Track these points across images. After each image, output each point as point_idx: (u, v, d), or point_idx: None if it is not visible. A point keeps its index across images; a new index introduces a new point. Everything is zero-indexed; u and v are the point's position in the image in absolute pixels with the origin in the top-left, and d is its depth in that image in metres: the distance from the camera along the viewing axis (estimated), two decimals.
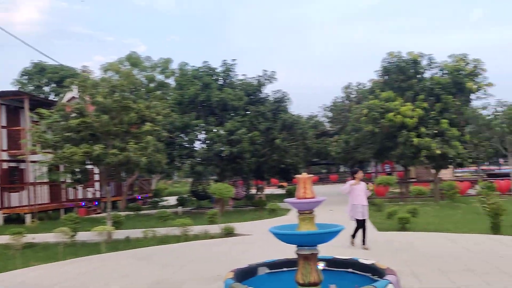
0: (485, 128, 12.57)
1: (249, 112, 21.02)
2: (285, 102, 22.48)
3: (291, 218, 17.46)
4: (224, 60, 21.99)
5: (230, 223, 15.18)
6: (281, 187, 33.42)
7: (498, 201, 11.58)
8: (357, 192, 10.07)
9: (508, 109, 11.91)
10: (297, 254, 6.83)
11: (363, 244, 10.01)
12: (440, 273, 7.34)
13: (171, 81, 28.15)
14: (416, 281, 6.92)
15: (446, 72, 21.51)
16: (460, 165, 23.39)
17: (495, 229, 11.34)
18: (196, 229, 14.02)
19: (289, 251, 9.90)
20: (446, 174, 34.15)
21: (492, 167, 56.75)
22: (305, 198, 6.85)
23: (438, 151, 19.99)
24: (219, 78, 21.88)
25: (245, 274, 7.50)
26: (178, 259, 9.90)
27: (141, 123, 14.05)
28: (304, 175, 7.01)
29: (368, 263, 7.46)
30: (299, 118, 22.94)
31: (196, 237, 13.16)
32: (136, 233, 14.17)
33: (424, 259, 8.56)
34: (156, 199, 27.92)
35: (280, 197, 27.28)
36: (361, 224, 10.13)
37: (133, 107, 13.98)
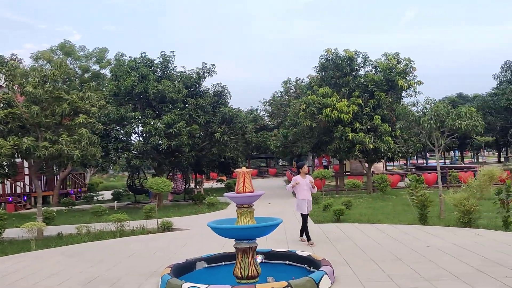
0: (415, 124, 13.14)
1: (188, 105, 20.77)
2: (225, 95, 22.41)
3: (230, 212, 17.49)
4: (163, 51, 21.59)
5: (168, 218, 14.97)
6: (220, 181, 33.39)
7: (425, 193, 12.19)
8: (302, 187, 9.93)
9: (435, 107, 12.53)
10: (236, 248, 6.87)
11: (308, 240, 9.80)
12: (372, 262, 7.64)
13: (107, 72, 27.23)
14: (350, 270, 7.15)
15: (380, 70, 22.34)
16: (391, 159, 24.40)
17: (423, 219, 11.95)
18: (133, 224, 13.73)
19: (228, 245, 9.92)
20: (378, 167, 35.66)
21: (419, 161, 59.88)
22: (244, 192, 6.89)
23: (371, 146, 20.78)
24: (157, 69, 21.42)
25: (182, 269, 7.45)
26: (113, 255, 9.63)
27: (75, 114, 13.48)
28: (243, 169, 7.03)
29: (304, 255, 7.64)
30: (239, 112, 22.95)
31: (133, 233, 12.87)
32: (69, 229, 13.62)
33: (357, 249, 8.87)
34: (90, 193, 27.00)
35: (219, 191, 27.26)
36: (305, 219, 9.99)
37: (66, 98, 13.38)
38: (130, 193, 26.42)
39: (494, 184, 12.31)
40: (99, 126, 13.61)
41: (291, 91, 48.91)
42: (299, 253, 7.68)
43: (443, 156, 69.51)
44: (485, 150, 73.01)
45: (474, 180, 11.50)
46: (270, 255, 7.85)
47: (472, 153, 65.09)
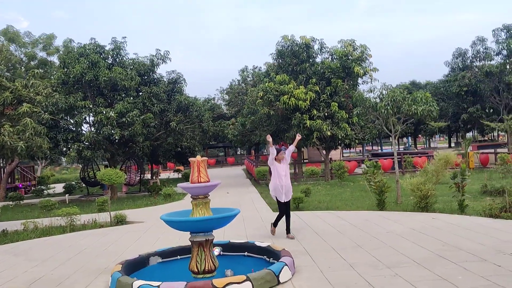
0: (372, 110, 13.12)
1: (141, 93, 20.04)
2: (180, 83, 21.77)
3: (187, 203, 17.06)
4: (114, 37, 20.67)
5: (121, 211, 14.39)
6: (178, 171, 32.74)
7: (382, 179, 12.21)
8: (279, 170, 8.94)
9: (391, 92, 12.53)
10: (191, 241, 6.52)
11: (288, 233, 8.97)
12: (333, 251, 7.47)
13: (55, 59, 25.92)
14: (310, 260, 6.95)
15: (336, 57, 22.33)
16: (348, 146, 24.60)
17: (381, 205, 11.98)
18: (84, 218, 13.09)
19: (185, 238, 9.53)
20: (335, 154, 35.98)
21: (375, 148, 61.17)
22: (199, 182, 6.52)
23: (329, 133, 20.81)
24: (108, 56, 20.52)
25: (134, 265, 7.01)
26: (61, 252, 9.05)
27: (18, 104, 12.64)
28: (198, 157, 6.66)
29: (263, 245, 7.37)
30: (195, 100, 22.37)
31: (84, 227, 12.24)
32: (15, 225, 12.82)
33: (318, 237, 8.71)
34: (41, 187, 25.81)
35: (176, 182, 26.72)
36: (283, 208, 9.04)
37: (8, 86, 12.51)
38: (83, 185, 25.45)
39: (450, 169, 12.48)
40: (45, 116, 12.82)
41: (248, 79, 48.58)
42: (258, 244, 7.41)
43: (397, 142, 71.43)
44: (437, 136, 75.55)
45: (430, 165, 11.58)
46: (228, 247, 7.53)
47: (425, 139, 66.97)
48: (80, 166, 59.21)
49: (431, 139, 66.28)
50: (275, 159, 8.99)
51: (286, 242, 8.33)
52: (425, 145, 66.33)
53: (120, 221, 12.54)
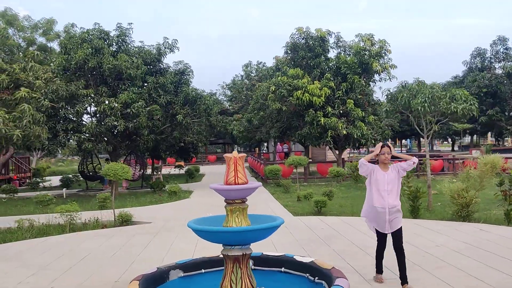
0: (403, 107, 11.97)
1: (147, 84, 18.81)
2: (188, 74, 20.55)
3: (195, 201, 15.91)
4: (119, 23, 19.43)
5: (125, 209, 13.23)
6: (179, 166, 31.52)
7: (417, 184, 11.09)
8: (380, 182, 5.75)
9: (430, 88, 11.39)
10: (224, 255, 5.36)
11: (405, 283, 5.67)
12: (385, 269, 6.31)
13: (55, 46, 24.63)
14: (364, 282, 5.81)
15: (353, 52, 21.19)
16: (358, 147, 23.51)
17: (414, 212, 10.85)
18: (85, 216, 11.85)
19: (201, 244, 8.36)
20: (344, 155, 34.83)
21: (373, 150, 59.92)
22: (237, 184, 5.37)
23: (344, 132, 19.68)
24: (113, 43, 19.27)
25: (153, 280, 5.83)
26: (62, 257, 7.87)
27: (15, 88, 11.42)
28: (234, 153, 5.47)
29: (306, 261, 6.16)
30: (202, 92, 21.17)
31: (85, 227, 11.04)
32: (8, 221, 11.60)
33: (359, 250, 7.57)
34: (36, 179, 24.54)
35: (179, 178, 25.53)
36: (384, 240, 5.97)
37: (5, 68, 11.30)
38: (81, 179, 24.20)
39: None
40: (45, 103, 11.60)
41: (252, 74, 47.42)
42: (298, 258, 6.23)
43: (399, 144, 70.37)
44: (439, 139, 74.47)
45: (471, 169, 10.45)
46: (261, 261, 6.36)
47: (426, 142, 65.66)
48: (78, 158, 57.58)
49: (433, 142, 65.26)
50: (375, 161, 5.97)
51: (323, 255, 7.18)
52: (424, 149, 65.19)
53: (125, 220, 11.35)
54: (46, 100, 11.83)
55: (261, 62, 47.17)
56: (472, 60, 29.38)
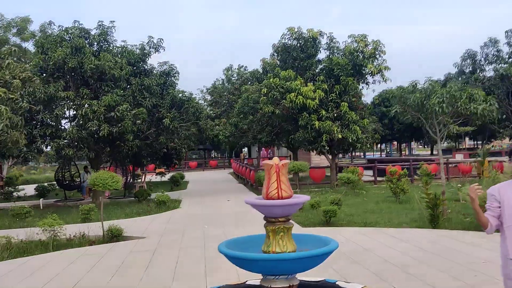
0: (414, 108, 11.17)
1: (131, 85, 17.54)
2: (173, 76, 19.43)
3: (186, 212, 14.76)
4: (100, 21, 18.17)
5: (111, 221, 12.01)
6: (160, 174, 30.09)
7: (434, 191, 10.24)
8: None
9: (448, 88, 10.61)
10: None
11: None
12: None
13: (30, 47, 23.14)
14: None
15: (346, 52, 20.41)
16: (350, 151, 22.79)
17: (434, 222, 10.00)
18: (68, 230, 10.57)
19: (211, 263, 7.29)
20: (323, 160, 34.07)
21: (366, 154, 59.78)
22: (280, 198, 4.37)
23: (340, 136, 18.84)
24: (94, 42, 17.99)
25: None
26: (48, 285, 6.67)
27: None
28: (275, 160, 4.47)
29: None
30: (191, 95, 20.02)
31: (70, 243, 9.81)
32: None
33: (397, 269, 6.61)
34: (9, 188, 22.89)
35: (163, 186, 24.24)
36: None
37: None
38: (58, 188, 22.67)
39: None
40: (23, 104, 10.32)
41: (234, 78, 46.40)
42: (343, 285, 5.24)
43: (378, 148, 70.29)
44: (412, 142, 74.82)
45: (497, 173, 9.70)
46: None
47: (404, 146, 65.45)
48: (50, 166, 55.16)
49: (415, 146, 65.46)
50: None
51: (360, 276, 6.21)
52: (404, 152, 65.30)
53: (115, 235, 10.14)
54: (24, 101, 10.53)
55: (242, 66, 46.23)
56: (462, 63, 29.15)
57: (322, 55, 21.61)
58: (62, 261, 8.17)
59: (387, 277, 6.22)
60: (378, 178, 21.89)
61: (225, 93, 42.81)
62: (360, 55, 20.01)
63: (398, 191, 14.84)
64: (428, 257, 7.27)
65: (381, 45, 20.02)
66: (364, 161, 34.89)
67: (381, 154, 67.11)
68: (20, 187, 26.30)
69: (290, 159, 39.15)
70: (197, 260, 7.69)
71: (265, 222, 4.41)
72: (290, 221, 4.34)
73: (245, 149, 50.97)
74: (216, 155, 68.06)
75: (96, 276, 7.08)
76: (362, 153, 63.36)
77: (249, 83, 35.07)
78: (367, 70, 19.91)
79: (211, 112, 45.95)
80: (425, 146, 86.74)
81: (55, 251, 9.23)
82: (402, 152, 67.03)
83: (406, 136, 51.41)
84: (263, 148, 38.71)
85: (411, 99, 11.18)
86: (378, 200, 15.20)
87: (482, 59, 28.09)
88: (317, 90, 19.04)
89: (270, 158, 17.45)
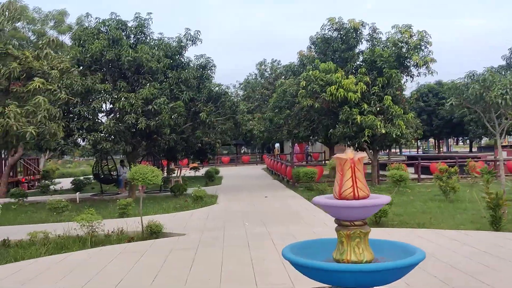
0: (472, 100, 10.33)
1: (168, 78, 17.21)
2: (210, 69, 18.98)
3: (223, 207, 14.31)
4: (137, 13, 17.88)
5: (149, 216, 11.67)
6: (194, 168, 29.85)
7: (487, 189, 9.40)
8: None
9: (510, 78, 9.74)
10: None
11: None
12: None
13: (67, 40, 23.10)
14: None
15: (389, 44, 19.49)
16: (383, 148, 21.81)
17: (496, 224, 9.17)
18: (106, 225, 10.24)
19: (260, 265, 6.78)
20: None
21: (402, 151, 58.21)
22: (356, 198, 3.79)
23: (383, 130, 17.98)
24: (131, 35, 17.72)
25: None
26: (88, 284, 6.28)
27: (28, 79, 9.88)
28: (349, 153, 3.87)
29: None
30: (228, 88, 19.57)
31: (108, 239, 9.48)
32: (18, 232, 10.07)
33: (472, 278, 5.89)
34: (46, 182, 23.03)
35: (197, 181, 23.93)
36: None
37: (16, 55, 9.77)
38: (94, 182, 22.66)
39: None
40: (61, 95, 10.02)
41: (267, 73, 45.80)
42: None
43: (413, 145, 68.32)
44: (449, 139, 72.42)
45: None
46: None
47: (438, 143, 63.08)
48: (84, 160, 55.82)
49: (450, 143, 63.30)
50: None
51: (433, 286, 5.55)
52: (442, 149, 63.09)
53: (154, 232, 9.75)
54: (62, 92, 10.23)
55: (275, 60, 45.56)
56: (510, 55, 27.67)
57: (362, 46, 20.80)
58: (102, 259, 7.80)
59: (459, 287, 5.53)
60: (422, 176, 20.98)
61: (258, 88, 42.21)
62: (404, 46, 19.08)
63: (448, 190, 14.02)
64: (497, 263, 6.54)
65: (427, 35, 19.00)
66: (403, 158, 33.67)
67: (417, 151, 65.31)
68: (57, 180, 26.56)
69: (324, 156, 38.44)
70: (243, 261, 7.17)
71: (337, 225, 3.83)
72: (366, 224, 3.75)
73: (277, 145, 50.37)
74: (246, 150, 67.71)
75: (137, 276, 6.65)
76: (398, 150, 61.84)
77: (283, 77, 34.48)
78: (412, 62, 18.96)
79: (244, 107, 45.62)
80: (463, 143, 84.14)
81: (94, 247, 8.89)
82: (440, 149, 64.95)
83: (445, 132, 49.58)
84: (296, 144, 38.04)
85: (469, 91, 10.35)
86: (425, 199, 14.37)
87: None
88: (359, 83, 18.24)
89: (308, 154, 16.73)
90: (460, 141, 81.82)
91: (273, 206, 14.29)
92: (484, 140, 59.21)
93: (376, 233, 9.22)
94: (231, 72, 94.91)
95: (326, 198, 3.86)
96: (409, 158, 30.64)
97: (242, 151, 64.78)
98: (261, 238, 9.09)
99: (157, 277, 6.49)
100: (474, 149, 57.57)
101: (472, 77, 10.88)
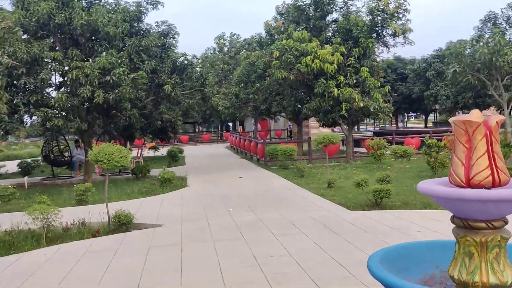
0: (470, 68, 9.28)
1: (127, 46, 15.26)
2: (173, 37, 17.14)
3: (195, 191, 12.80)
4: None
5: (111, 203, 9.97)
6: (154, 148, 27.88)
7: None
8: None
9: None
10: None
11: None
12: None
13: (7, 5, 20.49)
14: None
15: (366, 11, 18.34)
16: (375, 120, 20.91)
17: None
18: (63, 215, 8.50)
19: (268, 267, 5.43)
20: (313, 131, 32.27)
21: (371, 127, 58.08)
22: (496, 185, 2.47)
23: (361, 104, 16.93)
24: None
25: None
26: None
27: None
28: (477, 114, 2.52)
29: None
30: (194, 58, 17.83)
31: (68, 234, 7.80)
32: None
33: None
34: None
35: (159, 161, 22.15)
36: None
37: None
38: (43, 164, 20.44)
39: None
40: (3, 60, 8.10)
41: (226, 48, 43.92)
42: None
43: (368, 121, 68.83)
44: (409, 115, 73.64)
45: None
46: None
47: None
48: (29, 141, 52.24)
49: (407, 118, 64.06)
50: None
51: None
52: (397, 125, 63.78)
53: (124, 223, 8.16)
54: (5, 57, 8.29)
55: (235, 34, 43.73)
56: (483, 26, 27.30)
57: (336, 15, 19.53)
58: (61, 262, 6.20)
59: None
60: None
61: (218, 62, 40.38)
62: (380, 14, 17.97)
63: (436, 165, 13.17)
64: None
65: (405, 2, 17.96)
66: (369, 134, 33.11)
67: (374, 127, 65.67)
68: (1, 163, 24.04)
69: (291, 133, 37.35)
70: (246, 260, 5.79)
71: (458, 227, 2.49)
72: (505, 227, 2.43)
73: (237, 123, 48.92)
74: (200, 129, 65.74)
75: (112, 284, 5.13)
76: (356, 127, 61.89)
77: (243, 50, 32.86)
78: (389, 31, 17.92)
79: (213, 79, 43.63)
80: (415, 119, 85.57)
81: (50, 245, 7.23)
82: (394, 125, 65.65)
83: (403, 108, 49.71)
84: (258, 121, 36.71)
85: (477, 55, 9.28)
86: (412, 176, 13.46)
87: (503, 22, 26.30)
88: (335, 53, 17.03)
89: (290, 132, 14.84)
90: (412, 117, 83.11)
91: (252, 187, 12.92)
92: (438, 116, 60.20)
93: (379, 216, 8.10)
94: (188, 47, 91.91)
95: (440, 183, 2.50)
96: (375, 134, 30.02)
97: (199, 130, 62.81)
98: (255, 227, 7.74)
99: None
100: (429, 125, 58.40)
101: (478, 41, 9.85)
